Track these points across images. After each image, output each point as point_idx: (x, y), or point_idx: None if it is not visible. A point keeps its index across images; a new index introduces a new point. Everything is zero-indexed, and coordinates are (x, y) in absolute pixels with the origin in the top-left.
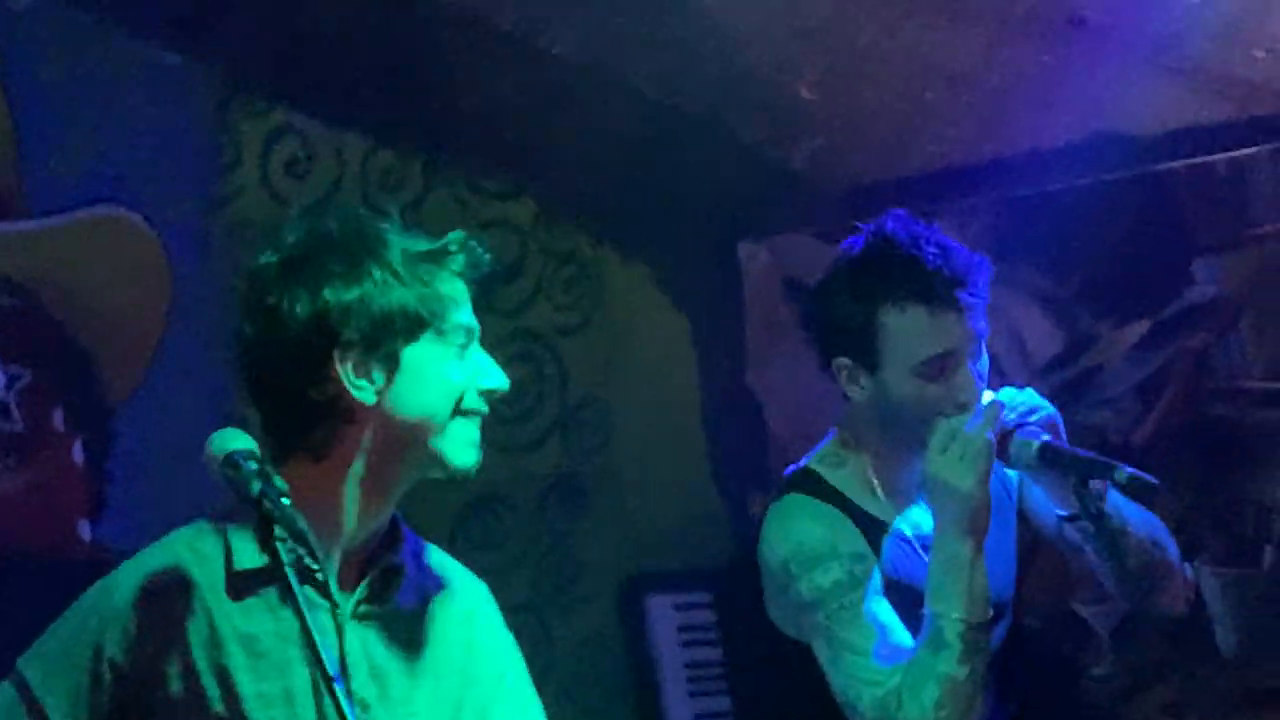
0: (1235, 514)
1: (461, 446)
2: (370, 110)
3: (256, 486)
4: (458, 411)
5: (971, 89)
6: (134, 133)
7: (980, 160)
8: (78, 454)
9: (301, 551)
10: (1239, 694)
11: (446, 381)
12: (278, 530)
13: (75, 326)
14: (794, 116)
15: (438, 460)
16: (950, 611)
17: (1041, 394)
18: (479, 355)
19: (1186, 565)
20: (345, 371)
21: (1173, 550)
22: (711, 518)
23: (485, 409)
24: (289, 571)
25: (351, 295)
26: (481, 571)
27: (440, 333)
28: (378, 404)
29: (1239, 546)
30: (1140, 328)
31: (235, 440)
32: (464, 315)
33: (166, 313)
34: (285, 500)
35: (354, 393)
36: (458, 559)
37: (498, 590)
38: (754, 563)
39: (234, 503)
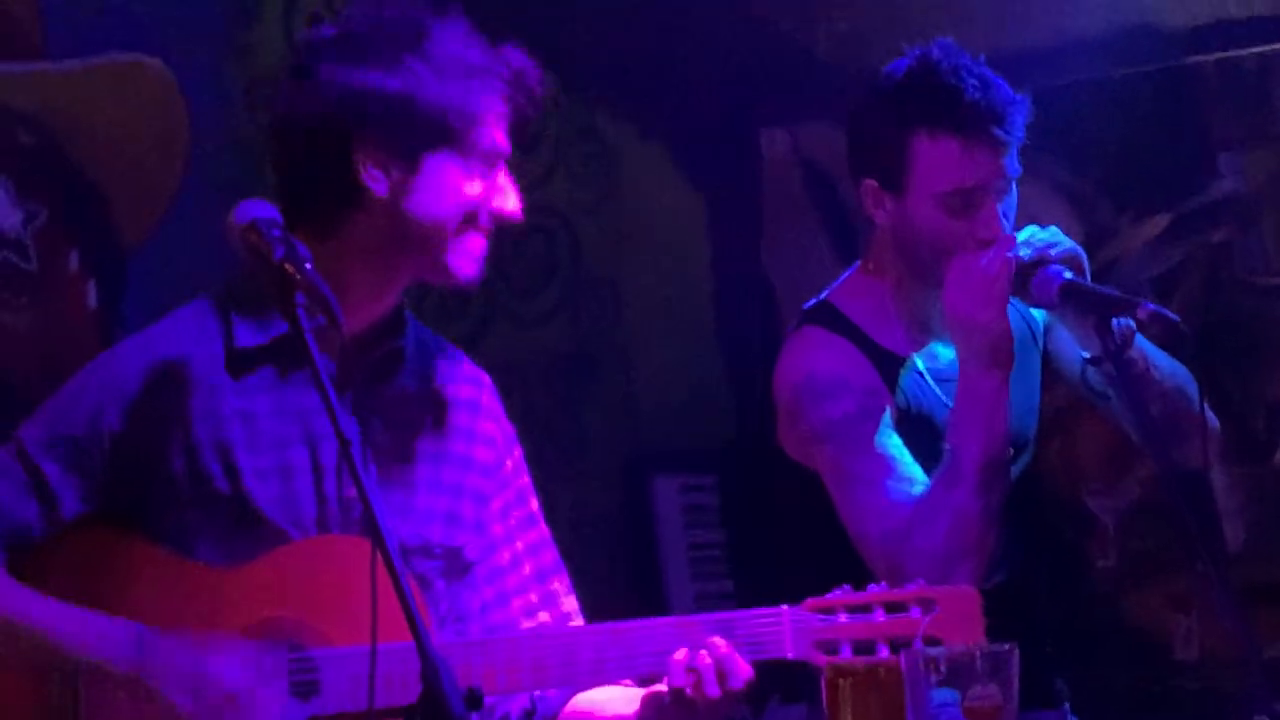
0: (1247, 410)
1: (466, 259)
2: None
3: (280, 252)
4: (467, 225)
5: None
6: None
7: (1004, 49)
8: (91, 297)
9: (324, 320)
10: (1244, 589)
11: (461, 195)
12: (300, 297)
13: (93, 169)
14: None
15: (440, 268)
16: (969, 445)
17: None
18: (501, 178)
19: (1212, 417)
20: (362, 159)
21: (1198, 401)
22: (719, 400)
23: (491, 227)
24: (308, 338)
25: (382, 85)
26: None
27: (465, 146)
28: (390, 198)
29: (1249, 443)
30: (1161, 221)
31: (260, 209)
32: (494, 135)
33: (184, 161)
34: (309, 266)
35: (367, 182)
36: None
37: None
38: (762, 431)
39: (237, 278)
